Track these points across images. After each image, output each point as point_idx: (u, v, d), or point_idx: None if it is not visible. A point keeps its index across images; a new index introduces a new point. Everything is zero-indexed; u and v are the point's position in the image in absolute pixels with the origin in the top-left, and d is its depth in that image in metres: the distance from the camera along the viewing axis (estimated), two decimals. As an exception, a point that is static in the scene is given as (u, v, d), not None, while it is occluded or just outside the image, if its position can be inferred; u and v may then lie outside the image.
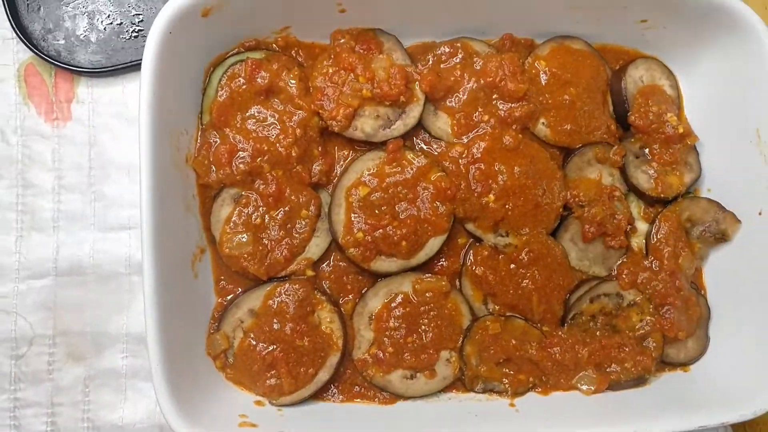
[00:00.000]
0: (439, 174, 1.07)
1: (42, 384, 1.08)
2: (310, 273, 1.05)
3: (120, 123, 1.11)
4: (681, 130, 1.11)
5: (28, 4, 1.11)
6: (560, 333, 1.08)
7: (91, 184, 1.11)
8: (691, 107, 1.18)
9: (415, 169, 1.07)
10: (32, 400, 1.07)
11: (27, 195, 1.09)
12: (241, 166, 1.03)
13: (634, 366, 1.08)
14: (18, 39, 1.09)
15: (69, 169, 1.10)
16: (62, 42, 1.11)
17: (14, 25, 1.08)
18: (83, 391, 1.08)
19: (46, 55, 1.09)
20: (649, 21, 1.11)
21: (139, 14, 1.13)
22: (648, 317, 1.09)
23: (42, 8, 1.11)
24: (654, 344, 1.09)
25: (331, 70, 1.06)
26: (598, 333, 1.09)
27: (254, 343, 1.03)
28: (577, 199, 1.11)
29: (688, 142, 1.13)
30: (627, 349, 1.08)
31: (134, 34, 1.13)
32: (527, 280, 1.08)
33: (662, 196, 1.13)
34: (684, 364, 1.13)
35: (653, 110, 1.13)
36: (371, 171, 1.07)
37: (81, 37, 1.12)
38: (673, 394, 1.09)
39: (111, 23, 1.13)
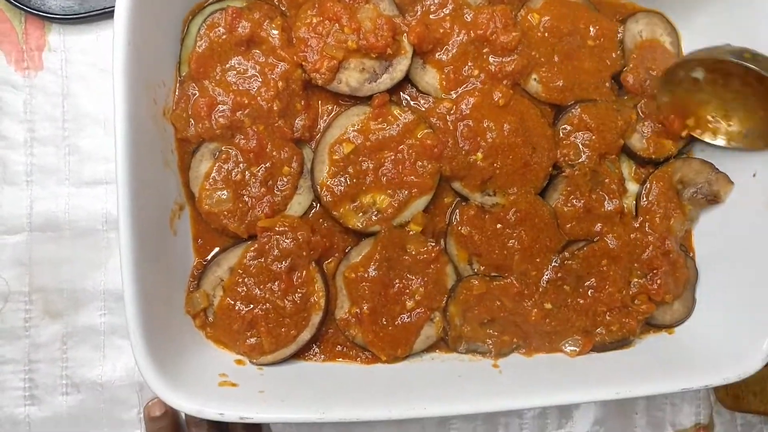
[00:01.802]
0: (426, 131, 1.04)
1: (19, 341, 1.06)
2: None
3: (94, 73, 1.07)
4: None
5: (-6, -55, 1.05)
6: (546, 304, 1.06)
7: (66, 137, 1.07)
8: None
9: (401, 126, 1.04)
10: (9, 356, 1.06)
11: (-1, 147, 1.06)
12: (220, 119, 1.00)
13: (620, 328, 1.07)
14: (-15, -18, 1.03)
15: (42, 120, 1.06)
16: (32, -14, 1.05)
17: (-20, -33, 1.03)
18: (61, 348, 1.07)
19: (15, 1, 1.04)
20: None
21: (113, -42, 1.07)
22: (635, 279, 1.08)
23: (10, -51, 1.05)
24: (641, 307, 1.08)
25: (315, 20, 1.01)
26: (583, 298, 1.07)
27: (233, 301, 1.01)
28: (567, 157, 1.08)
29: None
30: (614, 311, 1.07)
31: (107, -23, 1.07)
32: (514, 240, 1.06)
33: (654, 157, 1.10)
34: (669, 326, 1.12)
35: (650, 68, 1.09)
36: (356, 127, 1.03)
37: (52, -19, 1.06)
38: (657, 356, 1.08)
39: (83, -34, 1.07)
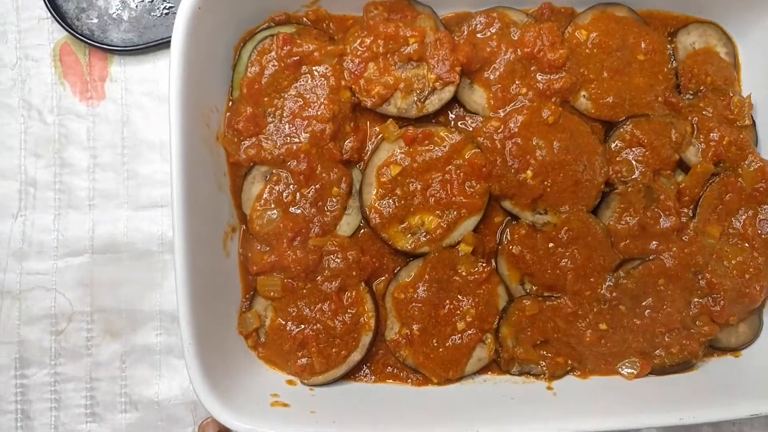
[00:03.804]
0: (473, 151, 1.03)
1: (81, 359, 1.10)
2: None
3: (152, 101, 1.11)
4: (736, 112, 1.05)
5: (61, -17, 1.11)
6: (602, 324, 1.03)
7: (125, 162, 1.11)
8: (749, 77, 1.11)
9: (448, 147, 1.04)
10: (72, 374, 1.10)
11: (64, 174, 1.11)
12: (273, 144, 1.02)
13: (680, 350, 1.03)
14: (53, 19, 1.09)
15: (103, 147, 1.11)
16: (95, 21, 1.11)
17: (49, 5, 1.09)
18: (120, 366, 1.10)
19: (80, 34, 1.10)
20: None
21: (170, -9, 1.12)
22: (696, 299, 1.04)
23: (75, -13, 1.11)
24: (704, 328, 1.03)
25: (367, 41, 1.03)
26: (640, 318, 1.04)
27: (284, 322, 1.02)
28: (619, 174, 1.05)
29: (739, 123, 1.06)
30: (673, 333, 1.03)
31: (165, 11, 1.12)
32: (566, 260, 1.04)
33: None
34: (734, 350, 1.07)
35: (705, 79, 1.07)
36: (403, 149, 1.04)
37: (113, 15, 1.12)
38: (721, 380, 1.03)
39: (143, 1, 1.12)
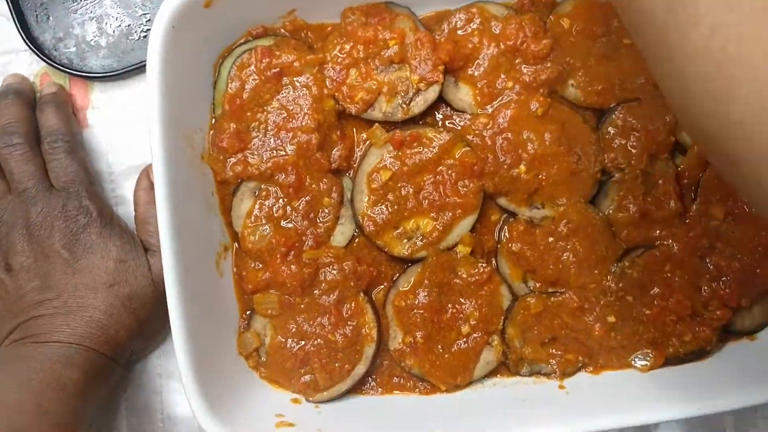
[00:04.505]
0: (464, 149, 1.01)
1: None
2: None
3: (135, 125, 1.10)
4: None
5: (37, 15, 1.10)
6: (610, 317, 1.00)
7: (113, 189, 1.10)
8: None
9: (437, 147, 1.01)
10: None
11: (52, 206, 1.09)
12: (260, 159, 1.00)
13: (694, 338, 1.00)
14: (30, 51, 1.08)
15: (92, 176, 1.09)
16: (73, 49, 1.10)
17: (25, 38, 1.08)
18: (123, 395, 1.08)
19: (59, 64, 1.08)
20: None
21: (146, 14, 1.11)
22: (705, 284, 1.01)
23: (51, 18, 1.10)
24: (716, 313, 1.00)
25: (347, 47, 1.01)
26: (649, 308, 1.00)
27: (284, 339, 1.00)
28: (615, 161, 1.03)
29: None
30: (685, 321, 1.00)
31: (143, 34, 1.11)
32: (568, 253, 1.01)
33: (711, 151, 1.04)
34: (749, 333, 1.03)
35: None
36: (392, 153, 1.02)
37: (91, 42, 1.11)
38: (739, 365, 1.00)
39: (120, 26, 1.11)
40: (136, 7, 1.11)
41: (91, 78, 1.10)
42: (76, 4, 1.11)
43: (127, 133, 1.10)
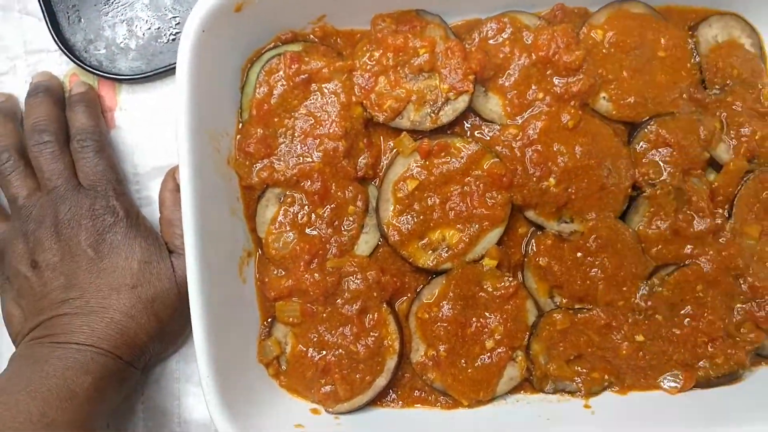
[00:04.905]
0: (492, 160, 0.99)
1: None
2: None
3: (162, 127, 1.10)
4: (767, 104, 1.00)
5: (69, 17, 1.11)
6: (638, 336, 0.97)
7: (139, 190, 1.09)
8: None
9: (466, 158, 1.00)
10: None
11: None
12: (285, 165, 1.00)
13: (726, 360, 0.97)
14: (61, 52, 1.09)
15: (118, 177, 1.09)
16: (103, 51, 1.11)
17: (56, 39, 1.09)
18: (139, 399, 1.07)
19: (88, 66, 1.09)
20: (723, -26, 1.00)
21: (176, 17, 1.11)
22: (739, 305, 0.98)
23: (82, 20, 1.11)
24: (749, 336, 0.97)
25: (376, 54, 1.00)
26: (680, 328, 0.98)
27: (305, 348, 0.99)
28: (646, 177, 1.01)
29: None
30: (717, 342, 0.97)
31: (172, 37, 1.11)
32: (596, 269, 0.99)
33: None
34: (784, 356, 1.00)
35: (732, 72, 1.02)
36: (419, 162, 1.00)
37: (121, 45, 1.11)
38: (772, 389, 0.97)
39: (149, 28, 1.11)
40: (166, 11, 1.12)
41: (119, 80, 1.10)
42: (107, 6, 1.11)
43: (154, 134, 1.10)
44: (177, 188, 1.02)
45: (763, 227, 1.00)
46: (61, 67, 1.12)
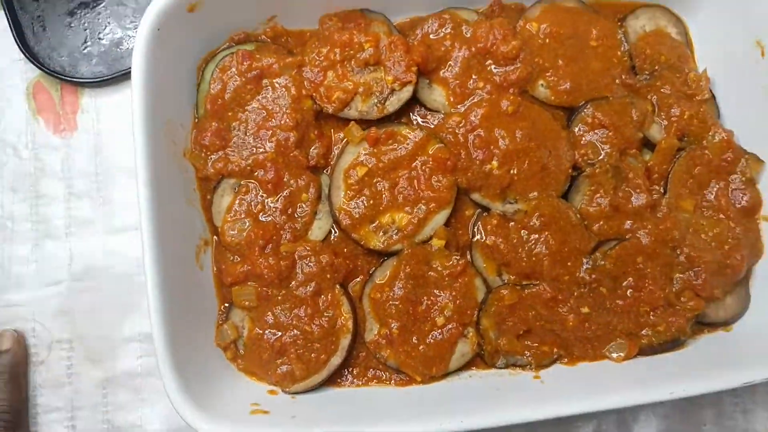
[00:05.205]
0: (437, 146, 1.04)
1: (62, 388, 1.09)
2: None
3: (122, 128, 1.14)
4: (694, 87, 1.06)
5: (33, 27, 1.16)
6: (583, 308, 1.01)
7: (99, 189, 1.13)
8: (704, 53, 1.13)
9: (412, 144, 1.05)
10: (54, 405, 1.08)
11: (40, 205, 1.13)
12: (239, 156, 1.04)
13: (667, 328, 1.01)
14: (26, 59, 1.14)
15: (77, 176, 1.13)
16: (66, 58, 1.16)
17: (22, 47, 1.14)
18: (102, 393, 1.08)
19: (52, 71, 1.14)
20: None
21: (137, 26, 1.16)
22: (678, 275, 1.02)
23: (47, 29, 1.16)
24: (689, 304, 1.01)
25: (324, 50, 1.06)
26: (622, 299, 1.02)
27: (261, 331, 1.01)
28: (586, 157, 1.06)
29: (699, 97, 1.07)
30: (658, 311, 1.01)
31: (129, 40, 1.16)
32: (541, 246, 1.03)
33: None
34: (725, 324, 1.04)
35: (659, 58, 1.08)
36: (368, 150, 1.05)
37: (84, 51, 1.16)
38: (715, 355, 1.00)
39: (112, 36, 1.17)
40: (127, 20, 1.17)
41: (81, 84, 1.15)
42: (71, 17, 1.17)
43: (115, 136, 1.15)
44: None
45: (696, 201, 1.06)
46: (26, 74, 1.16)
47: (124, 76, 1.14)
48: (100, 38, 1.17)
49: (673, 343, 1.01)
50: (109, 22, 1.18)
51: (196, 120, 1.06)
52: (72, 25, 1.17)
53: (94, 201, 1.12)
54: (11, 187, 1.13)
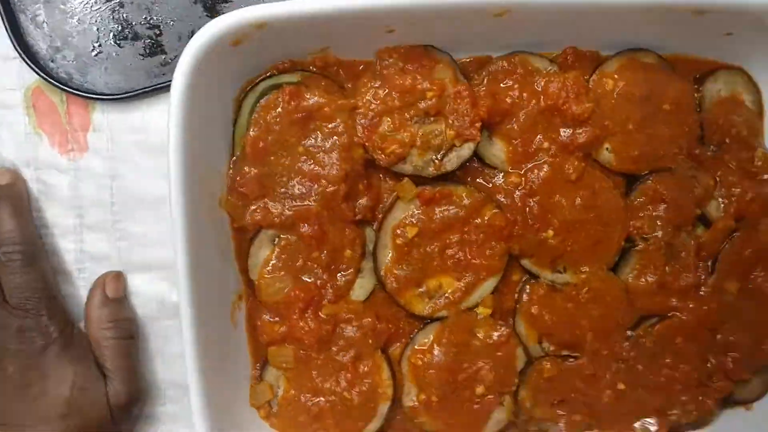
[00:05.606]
0: (493, 211, 0.98)
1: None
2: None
3: (141, 153, 1.01)
4: (759, 165, 1.02)
5: (31, 18, 0.98)
6: (620, 384, 1.02)
7: (115, 221, 1.02)
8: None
9: (467, 206, 0.98)
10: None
11: (47, 236, 1.00)
12: (281, 207, 0.95)
13: (696, 408, 1.04)
14: (22, 60, 0.96)
15: (90, 205, 1.01)
16: (72, 62, 0.99)
17: (17, 44, 0.96)
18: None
19: (55, 79, 0.97)
20: (735, 34, 0.98)
21: (153, 23, 1.00)
22: (712, 357, 1.04)
23: (46, 23, 0.98)
24: (718, 384, 1.03)
25: (381, 93, 0.95)
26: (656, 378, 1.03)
27: (297, 393, 0.98)
28: (641, 231, 1.02)
29: (764, 176, 1.03)
30: (690, 391, 1.03)
31: (150, 44, 1.00)
32: (585, 319, 1.02)
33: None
34: (746, 402, 1.08)
35: (731, 129, 1.03)
36: (420, 209, 0.98)
37: (93, 55, 0.99)
38: (735, 432, 1.05)
39: (125, 36, 1.00)
40: (143, 16, 1.00)
41: (92, 98, 0.99)
42: (74, 7, 0.98)
43: (133, 160, 1.01)
44: (104, 302, 0.95)
45: (741, 284, 1.05)
46: (22, 77, 0.99)
47: (143, 93, 0.99)
48: (111, 38, 0.99)
49: (699, 423, 1.05)
50: (119, 16, 1.00)
51: (233, 163, 0.95)
52: (75, 19, 0.99)
53: (110, 235, 1.01)
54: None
